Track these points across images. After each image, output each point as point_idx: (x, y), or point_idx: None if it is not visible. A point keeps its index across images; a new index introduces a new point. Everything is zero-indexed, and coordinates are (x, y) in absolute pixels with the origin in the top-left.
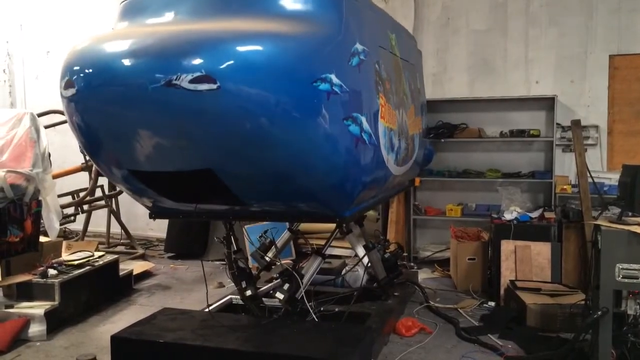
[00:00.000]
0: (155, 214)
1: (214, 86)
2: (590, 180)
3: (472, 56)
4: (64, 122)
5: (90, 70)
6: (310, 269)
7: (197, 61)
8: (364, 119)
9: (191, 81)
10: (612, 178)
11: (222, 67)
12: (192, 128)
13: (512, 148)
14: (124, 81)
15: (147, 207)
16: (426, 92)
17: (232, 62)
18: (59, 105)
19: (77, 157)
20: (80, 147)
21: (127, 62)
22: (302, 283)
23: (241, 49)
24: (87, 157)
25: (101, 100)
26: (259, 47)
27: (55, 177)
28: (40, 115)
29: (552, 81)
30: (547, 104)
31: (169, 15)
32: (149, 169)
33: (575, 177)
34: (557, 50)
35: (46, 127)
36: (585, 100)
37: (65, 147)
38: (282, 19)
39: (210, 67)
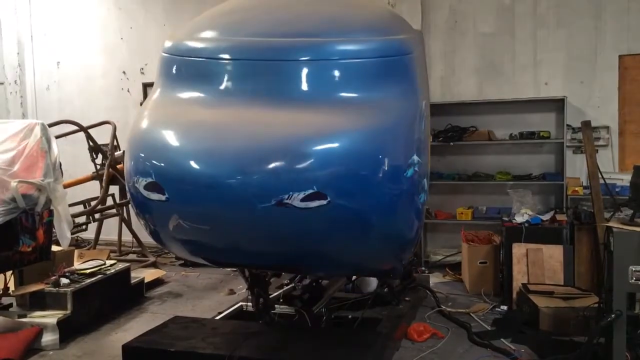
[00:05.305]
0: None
1: (324, 202)
2: (601, 181)
3: (481, 59)
4: (75, 132)
5: (185, 180)
6: (334, 287)
7: (310, 179)
8: (425, 182)
9: (303, 199)
10: (624, 179)
11: (332, 182)
12: (294, 240)
13: (522, 150)
14: (230, 199)
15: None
16: (435, 95)
17: (341, 175)
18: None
19: (88, 167)
20: (91, 157)
21: (233, 180)
22: (323, 297)
23: (347, 160)
24: (98, 166)
25: (198, 213)
26: (359, 154)
27: (66, 186)
28: (51, 125)
29: (562, 82)
30: (557, 105)
31: (246, 91)
32: (229, 262)
33: (587, 179)
34: (565, 52)
35: (57, 137)
36: (596, 101)
37: (76, 156)
38: (364, 101)
39: (322, 185)
